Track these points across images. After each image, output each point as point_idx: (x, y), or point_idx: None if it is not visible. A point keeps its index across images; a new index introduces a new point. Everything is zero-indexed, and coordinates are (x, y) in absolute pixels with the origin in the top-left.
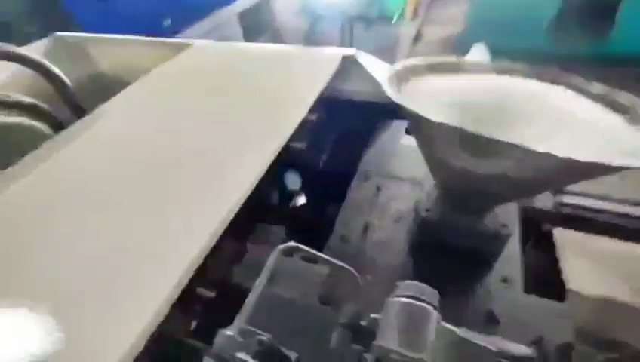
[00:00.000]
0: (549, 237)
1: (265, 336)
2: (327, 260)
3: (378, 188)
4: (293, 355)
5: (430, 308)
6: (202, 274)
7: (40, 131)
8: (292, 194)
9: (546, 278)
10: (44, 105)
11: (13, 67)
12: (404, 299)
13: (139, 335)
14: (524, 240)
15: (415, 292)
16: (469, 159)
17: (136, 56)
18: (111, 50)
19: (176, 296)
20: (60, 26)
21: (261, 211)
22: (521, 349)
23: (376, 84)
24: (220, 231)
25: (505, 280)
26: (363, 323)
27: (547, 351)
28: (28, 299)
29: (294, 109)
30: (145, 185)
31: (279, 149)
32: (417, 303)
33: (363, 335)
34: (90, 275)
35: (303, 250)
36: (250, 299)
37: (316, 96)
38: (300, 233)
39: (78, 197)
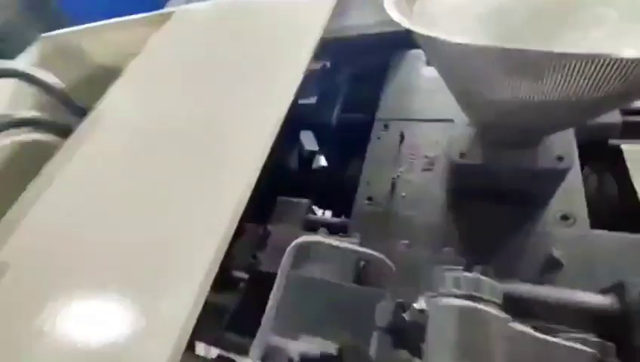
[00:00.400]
0: (616, 154)
1: (293, 355)
2: (353, 250)
3: (401, 136)
4: (332, 348)
5: (492, 310)
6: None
7: (50, 143)
8: (308, 156)
9: (617, 207)
10: (46, 117)
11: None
12: (455, 302)
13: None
14: (584, 162)
15: (468, 289)
16: (514, 87)
17: (124, 39)
18: (98, 38)
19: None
20: (56, 24)
21: (279, 179)
22: (597, 299)
23: (381, 9)
24: (241, 210)
25: (565, 217)
26: (406, 316)
27: (631, 298)
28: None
29: (294, 63)
30: (160, 173)
31: (286, 110)
32: (474, 306)
33: (407, 335)
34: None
35: (322, 243)
36: (270, 310)
37: (315, 43)
38: (323, 199)
39: (97, 198)
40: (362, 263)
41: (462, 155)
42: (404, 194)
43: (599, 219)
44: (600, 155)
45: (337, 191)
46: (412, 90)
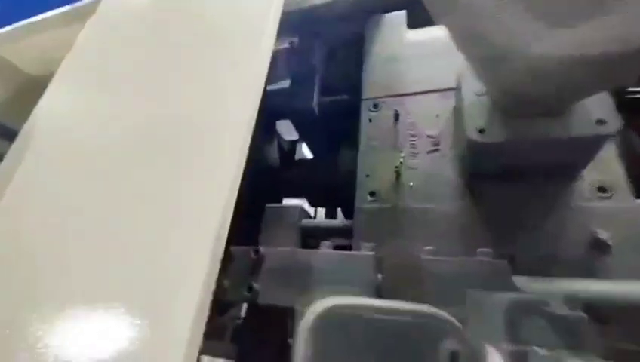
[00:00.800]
0: (634, 106)
1: None
2: (399, 309)
3: (396, 115)
4: None
5: None
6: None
7: None
8: (289, 148)
9: None
10: None
11: None
12: None
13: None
14: None
15: None
16: (558, 37)
17: (49, 41)
18: (19, 45)
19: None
20: None
21: (261, 180)
22: None
23: None
24: (226, 230)
25: (602, 188)
26: None
27: None
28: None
29: (257, 42)
30: (117, 196)
31: (260, 98)
32: None
33: None
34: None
35: (350, 306)
36: None
37: (278, 17)
38: (315, 197)
39: (46, 238)
40: (380, 277)
41: (481, 132)
42: (411, 183)
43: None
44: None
45: (328, 186)
46: (397, 59)
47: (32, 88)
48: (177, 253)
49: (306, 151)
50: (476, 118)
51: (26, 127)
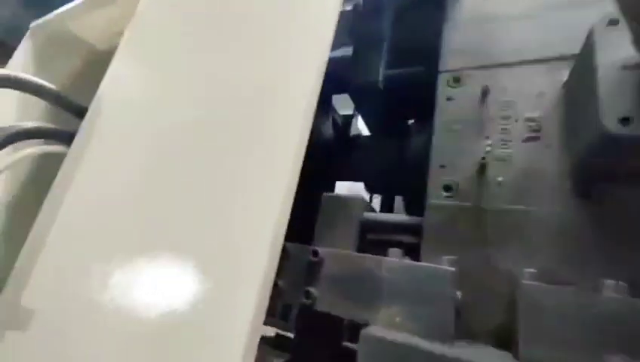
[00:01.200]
0: None
1: None
2: None
3: (484, 91)
4: None
5: None
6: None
7: (56, 152)
8: (344, 123)
9: None
10: (47, 125)
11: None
12: None
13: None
14: None
15: None
16: None
17: (114, 14)
18: (86, 19)
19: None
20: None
21: (315, 160)
22: None
23: None
24: (285, 223)
25: None
26: None
27: None
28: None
29: (322, 4)
30: (182, 172)
31: (324, 68)
32: None
33: None
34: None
35: None
36: None
37: None
38: (373, 183)
39: (113, 220)
40: (458, 294)
41: (625, 121)
42: (500, 178)
43: None
44: None
45: (390, 171)
46: (488, 19)
47: (103, 62)
48: (236, 249)
49: (360, 126)
50: (617, 103)
51: (91, 107)
